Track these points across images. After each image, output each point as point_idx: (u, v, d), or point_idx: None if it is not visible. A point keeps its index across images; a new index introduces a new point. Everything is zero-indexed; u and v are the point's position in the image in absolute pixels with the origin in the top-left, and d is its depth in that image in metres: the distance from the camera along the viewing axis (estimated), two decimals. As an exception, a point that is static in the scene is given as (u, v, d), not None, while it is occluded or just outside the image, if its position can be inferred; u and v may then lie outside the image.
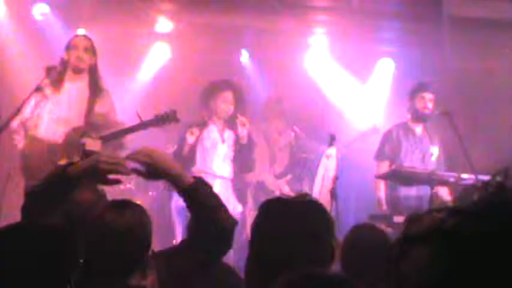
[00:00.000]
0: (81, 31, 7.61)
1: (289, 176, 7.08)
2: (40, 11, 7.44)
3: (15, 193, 5.50)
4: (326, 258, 2.18)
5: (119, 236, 2.49)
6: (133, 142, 5.15)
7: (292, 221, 2.19)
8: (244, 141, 6.22)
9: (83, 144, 5.26)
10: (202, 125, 6.24)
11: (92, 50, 5.59)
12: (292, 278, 1.62)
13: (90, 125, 5.44)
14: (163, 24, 7.85)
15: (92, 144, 5.30)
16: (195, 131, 6.12)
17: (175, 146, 6.43)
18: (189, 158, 6.14)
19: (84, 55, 5.52)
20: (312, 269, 1.97)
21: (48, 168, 5.34)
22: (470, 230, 1.05)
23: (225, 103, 6.23)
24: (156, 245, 3.31)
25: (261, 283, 2.15)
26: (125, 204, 2.62)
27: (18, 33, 7.30)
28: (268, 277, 2.07)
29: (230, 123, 6.28)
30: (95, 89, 5.54)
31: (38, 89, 5.41)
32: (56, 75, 5.47)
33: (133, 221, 2.54)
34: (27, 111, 5.46)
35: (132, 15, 7.42)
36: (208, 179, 6.04)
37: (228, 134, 6.29)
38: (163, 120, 5.32)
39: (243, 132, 6.20)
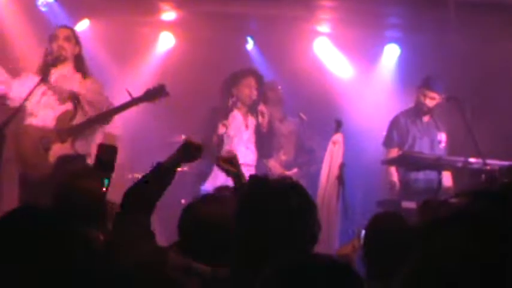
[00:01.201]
0: (85, 22, 7.63)
1: (296, 169, 7.04)
2: (44, 1, 7.43)
3: (11, 181, 5.54)
4: (306, 240, 2.19)
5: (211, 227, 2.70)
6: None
7: (271, 200, 2.21)
8: (265, 129, 6.40)
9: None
10: (228, 111, 6.34)
11: (74, 39, 5.69)
12: (286, 267, 1.54)
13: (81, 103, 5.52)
14: (168, 12, 7.82)
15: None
16: (227, 123, 6.26)
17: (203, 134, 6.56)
18: (217, 146, 6.25)
19: (65, 44, 5.60)
20: (304, 255, 1.93)
21: (41, 154, 5.40)
22: (498, 213, 1.04)
23: (248, 88, 6.37)
24: (162, 237, 3.31)
25: (246, 266, 2.14)
26: (216, 198, 2.95)
27: (23, 24, 7.30)
28: (252, 260, 2.06)
29: (253, 110, 6.42)
30: (83, 71, 5.64)
31: (43, 80, 5.49)
32: (44, 65, 5.58)
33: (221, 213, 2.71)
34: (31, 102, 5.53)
35: (136, 4, 7.40)
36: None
37: (251, 120, 6.44)
38: (153, 95, 5.48)
39: (263, 121, 6.38)
